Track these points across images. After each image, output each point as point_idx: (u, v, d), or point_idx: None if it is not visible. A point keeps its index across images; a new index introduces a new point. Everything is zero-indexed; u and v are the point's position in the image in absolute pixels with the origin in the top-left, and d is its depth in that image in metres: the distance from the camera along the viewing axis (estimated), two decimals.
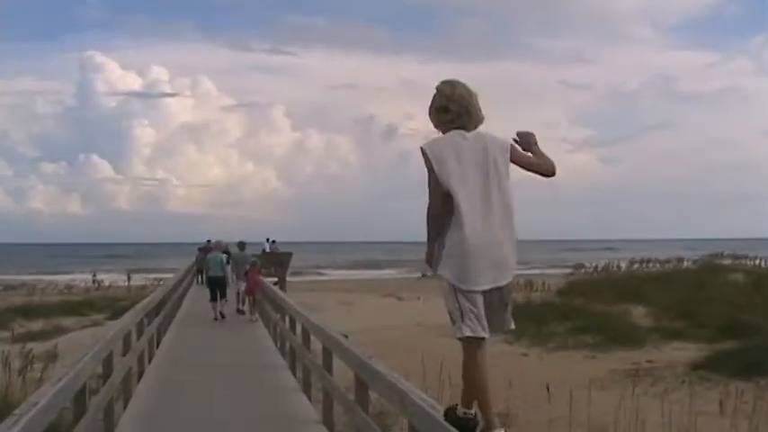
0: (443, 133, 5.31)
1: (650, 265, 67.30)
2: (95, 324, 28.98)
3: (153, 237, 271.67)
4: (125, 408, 11.73)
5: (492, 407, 5.08)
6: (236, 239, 28.70)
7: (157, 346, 17.88)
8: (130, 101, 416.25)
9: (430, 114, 5.41)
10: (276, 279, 41.62)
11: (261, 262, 32.75)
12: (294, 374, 14.31)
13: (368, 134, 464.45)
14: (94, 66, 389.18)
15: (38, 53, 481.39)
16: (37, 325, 32.80)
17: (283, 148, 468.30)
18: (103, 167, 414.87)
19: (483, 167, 5.12)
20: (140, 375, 14.21)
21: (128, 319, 12.81)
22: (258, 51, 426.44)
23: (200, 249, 40.58)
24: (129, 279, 47.28)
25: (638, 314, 29.76)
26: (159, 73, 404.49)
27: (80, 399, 7.71)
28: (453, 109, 5.27)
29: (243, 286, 25.65)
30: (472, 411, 5.09)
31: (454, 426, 5.02)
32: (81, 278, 56.34)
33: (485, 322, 5.07)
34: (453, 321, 5.12)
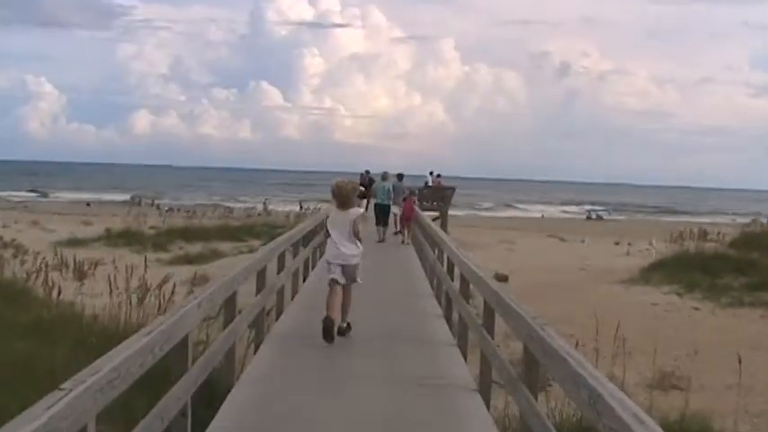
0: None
1: None
2: (251, 250, 28.70)
3: (319, 165, 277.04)
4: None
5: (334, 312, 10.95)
6: (398, 171, 30.98)
7: (304, 281, 17.02)
8: (301, 30, 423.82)
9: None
10: (437, 214, 40.77)
11: (423, 195, 34.33)
12: (449, 325, 12.80)
13: (539, 71, 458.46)
14: None
15: None
16: (195, 248, 33.02)
17: (451, 82, 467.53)
18: (273, 95, 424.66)
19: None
20: (279, 315, 13.21)
21: (260, 256, 11.50)
22: None
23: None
24: (301, 207, 47.04)
25: None
26: (330, 3, 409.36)
27: (179, 355, 6.48)
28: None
29: (399, 212, 28.40)
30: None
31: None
32: (245, 205, 56.59)
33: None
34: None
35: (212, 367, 7.75)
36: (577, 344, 10.87)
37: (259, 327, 11.19)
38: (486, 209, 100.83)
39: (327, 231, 11.77)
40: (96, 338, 10.55)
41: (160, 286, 13.76)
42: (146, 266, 14.79)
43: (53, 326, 11.44)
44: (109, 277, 14.01)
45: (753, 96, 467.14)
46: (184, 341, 6.44)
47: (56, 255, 17.19)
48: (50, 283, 14.55)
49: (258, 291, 11.04)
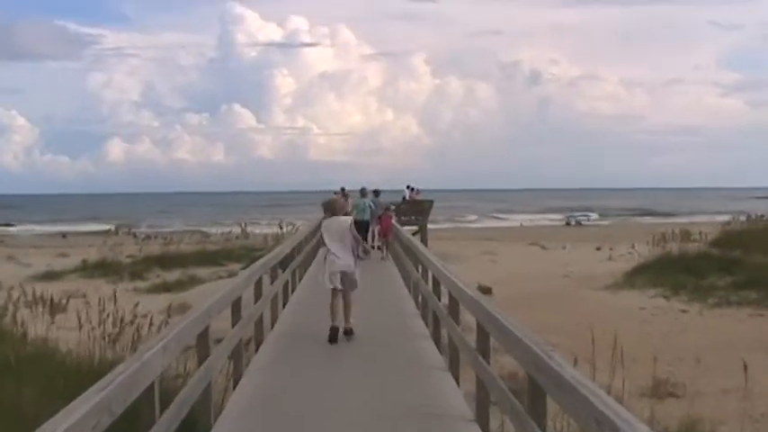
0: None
1: None
2: (231, 274, 28.23)
3: (295, 184, 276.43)
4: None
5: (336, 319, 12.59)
6: (374, 187, 31.14)
7: (284, 307, 16.44)
8: (270, 51, 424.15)
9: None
10: (417, 228, 40.39)
11: (401, 210, 34.28)
12: (438, 347, 12.21)
13: (510, 80, 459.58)
14: (234, 17, 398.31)
15: (179, 6, 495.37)
16: (173, 275, 32.37)
17: (423, 96, 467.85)
18: (245, 117, 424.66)
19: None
20: (258, 345, 12.71)
21: (228, 290, 10.22)
22: None
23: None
24: (280, 227, 46.47)
25: None
26: (298, 23, 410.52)
27: (146, 404, 5.81)
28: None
29: (377, 228, 28.41)
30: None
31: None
32: (222, 229, 55.86)
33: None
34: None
35: (186, 412, 7.02)
36: (576, 361, 10.39)
37: (237, 360, 10.57)
38: (467, 220, 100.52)
39: (323, 242, 13.08)
40: (68, 377, 10.09)
41: (132, 320, 13.34)
42: (115, 299, 14.28)
43: (22, 365, 10.93)
44: (78, 313, 13.49)
45: (722, 96, 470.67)
46: (150, 389, 5.73)
47: (24, 291, 16.56)
48: (21, 321, 14.07)
49: (234, 323, 10.32)
